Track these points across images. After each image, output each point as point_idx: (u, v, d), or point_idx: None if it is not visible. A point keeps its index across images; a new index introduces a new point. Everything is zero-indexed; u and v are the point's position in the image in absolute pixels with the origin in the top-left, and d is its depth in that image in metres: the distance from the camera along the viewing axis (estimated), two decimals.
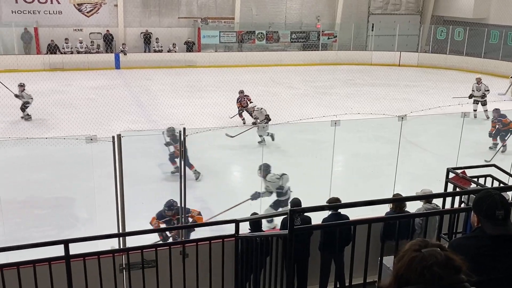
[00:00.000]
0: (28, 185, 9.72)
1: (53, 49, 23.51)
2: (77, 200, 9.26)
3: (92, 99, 17.06)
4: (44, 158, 10.96)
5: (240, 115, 14.94)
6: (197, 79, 21.60)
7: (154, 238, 7.17)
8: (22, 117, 14.74)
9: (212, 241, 4.60)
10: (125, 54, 24.00)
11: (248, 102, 14.90)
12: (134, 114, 15.16)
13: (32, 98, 14.87)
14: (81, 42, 23.81)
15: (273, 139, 12.24)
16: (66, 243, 3.90)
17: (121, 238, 6.33)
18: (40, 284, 3.90)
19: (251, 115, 14.27)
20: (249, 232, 5.26)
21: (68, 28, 24.04)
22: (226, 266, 4.77)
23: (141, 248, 4.36)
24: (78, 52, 23.72)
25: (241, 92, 15.12)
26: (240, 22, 26.69)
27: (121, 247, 5.98)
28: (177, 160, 9.73)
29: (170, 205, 7.32)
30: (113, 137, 6.17)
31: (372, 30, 28.61)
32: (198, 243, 4.57)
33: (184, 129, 6.91)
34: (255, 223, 5.38)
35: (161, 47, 25.21)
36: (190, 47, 25.81)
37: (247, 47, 26.90)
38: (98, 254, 4.15)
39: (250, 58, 25.66)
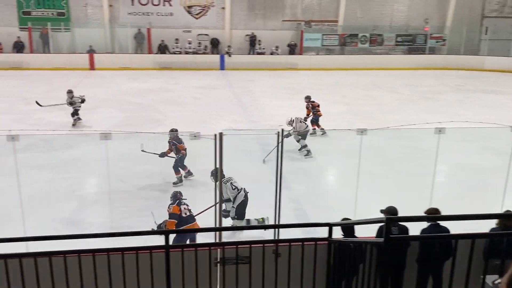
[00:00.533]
0: (136, 176, 10.36)
1: (163, 49, 24.87)
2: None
3: (197, 98, 17.80)
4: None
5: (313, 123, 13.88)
6: (297, 82, 21.69)
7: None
8: (73, 124, 13.73)
9: (304, 243, 4.59)
10: (230, 55, 24.73)
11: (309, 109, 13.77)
12: (235, 114, 15.57)
13: (84, 100, 13.91)
14: (190, 43, 24.94)
15: (301, 150, 11.81)
16: (167, 233, 4.11)
17: (217, 232, 6.53)
18: (141, 270, 4.15)
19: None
20: (343, 237, 5.18)
21: (177, 29, 25.29)
22: (318, 269, 4.75)
23: (236, 243, 4.47)
24: (186, 53, 24.86)
25: (307, 98, 14.08)
26: (343, 25, 26.37)
27: (217, 241, 6.17)
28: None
29: (173, 196, 7.29)
30: (215, 135, 6.38)
31: (486, 34, 26.87)
32: (291, 243, 4.58)
33: (282, 130, 6.98)
34: (348, 228, 5.29)
35: (264, 49, 25.64)
36: (292, 49, 25.97)
37: (349, 50, 26.51)
38: (195, 246, 4.32)
39: (352, 61, 25.27)
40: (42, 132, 9.79)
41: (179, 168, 10.13)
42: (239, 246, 4.47)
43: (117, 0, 24.98)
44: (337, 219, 5.40)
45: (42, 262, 4.01)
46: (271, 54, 25.42)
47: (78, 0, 24.76)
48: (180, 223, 6.88)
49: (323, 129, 13.46)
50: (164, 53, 24.75)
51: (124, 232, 4.17)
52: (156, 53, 24.74)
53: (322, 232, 4.86)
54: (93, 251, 4.05)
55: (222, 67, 24.60)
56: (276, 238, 6.48)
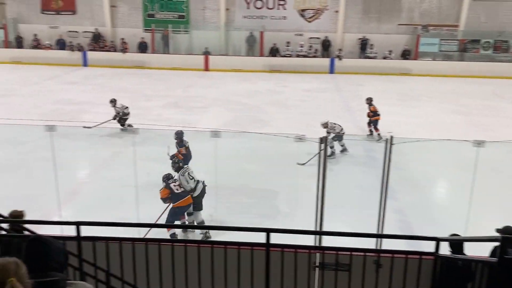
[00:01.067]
0: (240, 174, 10.65)
1: (274, 52, 25.26)
2: (281, 194, 9.81)
3: (304, 100, 17.84)
4: (257, 151, 11.88)
5: (369, 125, 13.76)
6: (410, 88, 20.87)
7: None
8: (122, 130, 13.25)
9: (408, 256, 4.42)
10: (340, 59, 24.48)
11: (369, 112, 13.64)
12: (342, 118, 15.36)
13: (127, 108, 13.51)
14: (301, 46, 25.09)
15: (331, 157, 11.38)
16: (268, 231, 4.18)
17: (317, 236, 6.49)
18: (242, 264, 4.26)
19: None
20: (451, 253, 4.90)
21: (289, 32, 25.55)
22: (421, 285, 4.53)
23: (336, 249, 4.42)
24: (297, 56, 25.04)
25: (368, 99, 13.85)
26: (464, 30, 24.88)
27: (317, 245, 6.14)
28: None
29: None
30: (320, 139, 6.35)
31: None
32: (394, 255, 4.43)
33: (392, 137, 6.76)
34: (457, 244, 4.99)
35: (376, 53, 25.02)
36: (406, 54, 25.06)
37: (469, 56, 24.94)
38: (295, 247, 4.34)
39: (472, 68, 23.75)
40: (159, 127, 10.42)
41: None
42: (339, 252, 4.41)
43: (234, 4, 25.85)
44: (445, 235, 5.12)
45: (152, 248, 4.28)
46: (384, 58, 24.73)
47: (198, 4, 26.02)
48: (177, 199, 7.84)
49: (379, 134, 13.20)
50: (275, 56, 25.15)
51: (227, 227, 4.31)
52: (267, 56, 25.21)
53: (428, 247, 4.64)
54: (198, 243, 4.24)
55: (331, 71, 24.42)
56: (378, 248, 6.29)
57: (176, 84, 20.86)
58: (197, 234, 8.03)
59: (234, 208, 9.06)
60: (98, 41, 25.93)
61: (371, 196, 7.24)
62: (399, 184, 9.97)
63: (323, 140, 6.37)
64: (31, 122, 9.56)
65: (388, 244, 6.80)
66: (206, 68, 24.68)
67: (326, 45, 25.58)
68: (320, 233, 6.42)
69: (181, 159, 9.34)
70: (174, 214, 7.90)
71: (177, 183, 8.01)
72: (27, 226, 4.88)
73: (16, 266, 2.15)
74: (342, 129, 12.00)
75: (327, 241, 6.26)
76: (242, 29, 25.53)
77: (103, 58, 24.99)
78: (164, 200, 8.02)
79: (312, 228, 6.59)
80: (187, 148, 10.17)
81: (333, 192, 7.94)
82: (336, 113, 15.66)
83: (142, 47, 25.73)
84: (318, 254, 4.75)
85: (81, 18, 26.49)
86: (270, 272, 4.28)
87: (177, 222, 7.93)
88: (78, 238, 4.27)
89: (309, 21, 25.88)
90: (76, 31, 26.39)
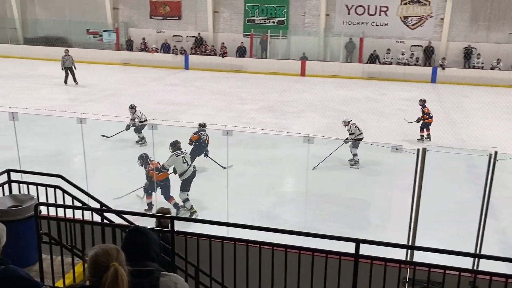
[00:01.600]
0: (332, 181, 10.55)
1: (374, 59, 24.72)
2: (372, 205, 9.57)
3: (402, 109, 17.26)
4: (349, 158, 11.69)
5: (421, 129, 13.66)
6: None
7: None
8: (138, 141, 12.79)
9: (509, 280, 4.10)
10: (443, 68, 23.40)
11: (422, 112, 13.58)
12: (442, 130, 14.66)
13: (145, 119, 12.94)
14: (403, 54, 24.33)
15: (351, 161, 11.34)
16: (358, 242, 4.09)
17: (409, 250, 6.26)
18: (329, 273, 4.22)
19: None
20: None
21: (391, 39, 24.88)
22: None
23: (428, 266, 4.22)
24: (398, 64, 24.30)
25: (421, 101, 13.90)
26: None
27: (408, 260, 5.91)
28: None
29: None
30: (418, 150, 6.12)
31: None
32: (493, 277, 4.14)
33: (496, 153, 6.34)
34: None
35: (482, 63, 23.59)
36: None
37: None
38: (385, 260, 4.21)
39: None
40: (253, 130, 10.62)
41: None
42: (431, 269, 4.21)
43: (334, 9, 25.68)
44: None
45: (240, 248, 4.37)
46: (491, 69, 23.24)
47: (298, 9, 26.18)
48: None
49: (429, 135, 13.63)
50: (374, 63, 24.60)
51: (315, 234, 4.29)
52: (366, 63, 24.73)
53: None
54: (286, 247, 4.26)
55: (433, 80, 23.39)
56: (475, 268, 5.92)
57: (271, 88, 21.13)
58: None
59: (324, 216, 8.99)
60: (200, 45, 27.01)
61: (470, 213, 6.84)
62: (502, 202, 9.31)
63: (420, 151, 6.13)
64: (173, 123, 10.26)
65: (486, 266, 6.38)
66: (303, 74, 24.74)
67: (428, 54, 24.58)
68: (412, 247, 6.18)
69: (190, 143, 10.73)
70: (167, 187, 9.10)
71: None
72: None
73: (117, 252, 2.32)
74: (361, 133, 11.77)
75: (419, 257, 6.02)
76: (341, 35, 25.29)
77: (203, 61, 25.98)
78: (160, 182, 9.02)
79: (404, 242, 6.36)
80: (203, 140, 10.94)
81: (428, 205, 7.61)
82: (436, 124, 14.99)
83: (241, 52, 26.36)
84: (408, 269, 4.58)
85: (185, 23, 27.75)
86: (357, 283, 4.19)
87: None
88: (172, 232, 4.48)
89: (412, 28, 25.02)
90: (180, 36, 27.68)
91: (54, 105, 14.18)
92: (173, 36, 27.70)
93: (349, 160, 11.62)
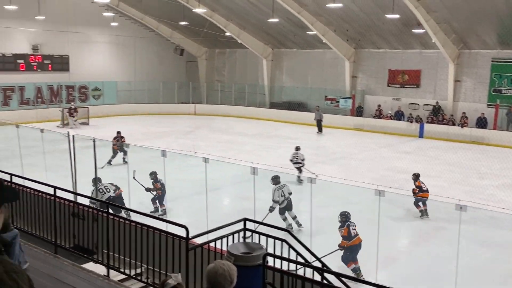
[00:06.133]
0: None
1: None
2: None
3: None
4: None
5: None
6: None
7: None
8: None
9: None
10: None
11: None
12: None
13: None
14: None
15: None
16: None
17: None
18: None
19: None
20: None
21: None
22: None
23: None
24: None
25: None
26: None
27: None
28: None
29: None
30: None
31: None
32: None
33: None
34: None
35: None
36: None
37: None
38: None
39: None
40: (491, 208, 9.59)
41: (157, 201, 11.97)
42: None
43: None
44: None
45: None
46: None
47: None
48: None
49: (425, 210, 12.22)
50: None
51: None
52: None
53: None
54: None
55: None
56: None
57: None
58: None
59: None
60: (437, 114, 26.05)
61: None
62: None
63: None
64: (363, 185, 10.22)
65: None
66: None
67: None
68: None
69: (160, 193, 11.93)
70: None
71: None
72: None
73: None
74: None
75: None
76: None
77: (439, 130, 24.90)
78: None
79: None
80: (162, 184, 11.88)
81: None
82: None
83: (482, 123, 24.47)
84: None
85: (423, 91, 27.22)
86: None
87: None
88: None
89: None
90: (417, 104, 27.20)
91: (289, 163, 15.23)
92: (409, 104, 27.38)
93: None
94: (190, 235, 5.49)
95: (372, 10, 24.04)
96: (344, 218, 9.28)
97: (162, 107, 32.20)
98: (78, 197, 7.95)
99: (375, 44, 28.02)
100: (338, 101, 29.61)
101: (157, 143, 17.85)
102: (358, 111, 28.55)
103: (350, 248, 9.03)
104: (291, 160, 15.45)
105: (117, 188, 11.16)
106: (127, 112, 30.60)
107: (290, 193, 11.32)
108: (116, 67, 32.44)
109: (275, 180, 11.30)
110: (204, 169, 9.25)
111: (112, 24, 30.34)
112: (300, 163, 15.45)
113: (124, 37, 32.27)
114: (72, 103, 27.75)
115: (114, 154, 16.99)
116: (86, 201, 8.29)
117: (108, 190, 10.92)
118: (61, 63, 29.25)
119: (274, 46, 32.33)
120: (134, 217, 7.30)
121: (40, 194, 7.31)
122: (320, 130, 26.24)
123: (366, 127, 27.09)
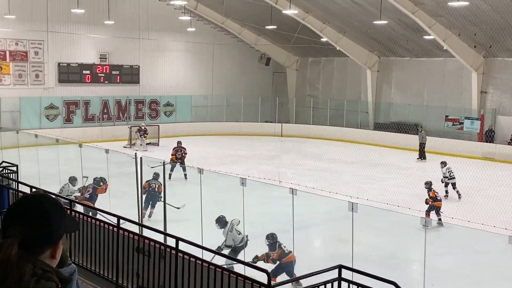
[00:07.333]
0: None
1: None
2: None
3: None
4: None
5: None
6: None
7: None
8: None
9: None
10: None
11: None
12: None
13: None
14: None
15: None
16: None
17: None
18: None
19: None
20: None
21: None
22: None
23: None
24: None
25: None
26: None
27: None
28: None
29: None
30: None
31: None
32: None
33: None
34: None
35: None
36: None
37: None
38: None
39: None
40: None
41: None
42: None
43: None
44: None
45: None
46: None
47: None
48: None
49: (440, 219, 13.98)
50: None
51: None
52: None
53: None
54: None
55: None
56: None
57: None
58: None
59: None
60: None
61: None
62: None
63: None
64: (492, 229, 9.72)
65: None
66: None
67: None
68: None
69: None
70: None
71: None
72: None
73: None
74: None
75: None
76: None
77: None
78: None
79: None
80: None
81: None
82: None
83: None
84: None
85: None
86: None
87: None
88: None
89: None
90: None
91: (397, 200, 14.84)
92: None
93: None
94: (273, 283, 5.49)
95: (508, 9, 23.10)
96: (272, 239, 9.75)
97: (242, 127, 32.89)
98: (144, 229, 8.25)
99: (511, 52, 26.82)
100: (462, 123, 28.59)
101: (235, 169, 18.15)
102: (488, 136, 27.31)
103: (286, 263, 9.63)
104: (445, 177, 17.86)
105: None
106: (202, 131, 31.57)
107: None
108: (191, 79, 33.69)
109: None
110: (290, 202, 9.26)
111: (189, 29, 31.50)
112: (454, 177, 17.48)
113: (201, 44, 33.51)
114: (143, 123, 28.78)
115: (172, 167, 18.23)
116: (153, 235, 8.59)
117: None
118: (130, 74, 30.91)
119: (381, 54, 32.00)
120: (201, 254, 7.45)
121: (102, 224, 7.68)
122: (421, 157, 25.81)
123: (498, 156, 25.84)
